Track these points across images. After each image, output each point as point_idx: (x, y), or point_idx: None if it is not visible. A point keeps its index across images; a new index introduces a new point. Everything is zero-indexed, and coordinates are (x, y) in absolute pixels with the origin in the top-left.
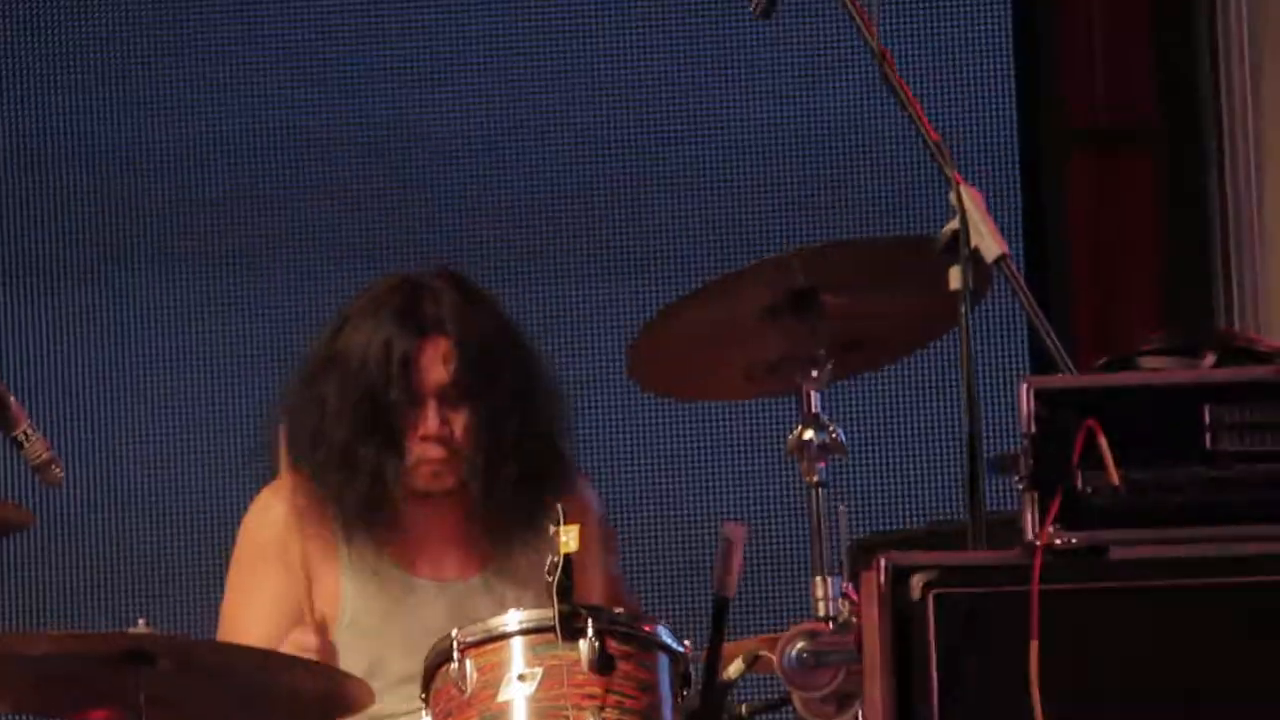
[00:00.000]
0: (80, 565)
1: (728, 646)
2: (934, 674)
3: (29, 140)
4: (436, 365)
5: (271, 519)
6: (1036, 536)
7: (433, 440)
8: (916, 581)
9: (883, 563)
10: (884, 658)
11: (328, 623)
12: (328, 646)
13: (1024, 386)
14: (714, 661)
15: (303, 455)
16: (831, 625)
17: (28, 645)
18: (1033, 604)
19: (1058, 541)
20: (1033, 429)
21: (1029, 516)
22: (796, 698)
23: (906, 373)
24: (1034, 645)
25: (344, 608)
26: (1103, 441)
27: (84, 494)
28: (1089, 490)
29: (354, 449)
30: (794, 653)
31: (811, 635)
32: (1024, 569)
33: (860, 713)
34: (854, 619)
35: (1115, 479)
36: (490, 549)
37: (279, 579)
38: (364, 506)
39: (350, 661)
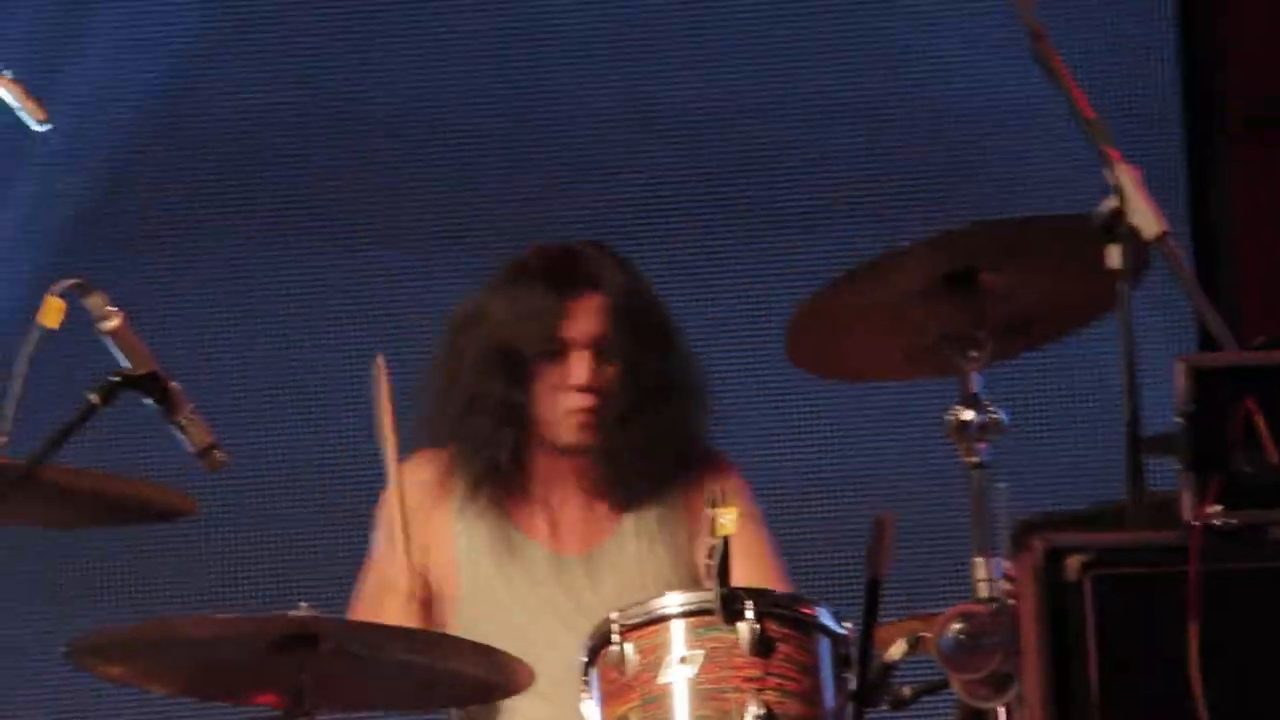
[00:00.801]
0: (241, 548)
1: (890, 628)
2: (1092, 656)
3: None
4: (590, 317)
5: (404, 494)
6: (1194, 517)
7: (584, 390)
8: (1073, 563)
9: (1038, 544)
10: (1040, 640)
11: (448, 596)
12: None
13: (1180, 365)
14: (867, 643)
15: (434, 414)
16: (988, 607)
17: (191, 629)
18: (1191, 585)
19: (1216, 522)
20: (1190, 408)
21: (1187, 497)
22: (955, 680)
23: (1068, 352)
24: (1193, 627)
25: (462, 581)
26: (1261, 421)
27: (244, 476)
28: (1248, 470)
29: (487, 397)
30: (951, 635)
31: (968, 617)
32: (1182, 550)
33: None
34: (1010, 601)
35: (1274, 458)
36: (618, 513)
37: (406, 550)
38: (491, 462)
39: (477, 633)
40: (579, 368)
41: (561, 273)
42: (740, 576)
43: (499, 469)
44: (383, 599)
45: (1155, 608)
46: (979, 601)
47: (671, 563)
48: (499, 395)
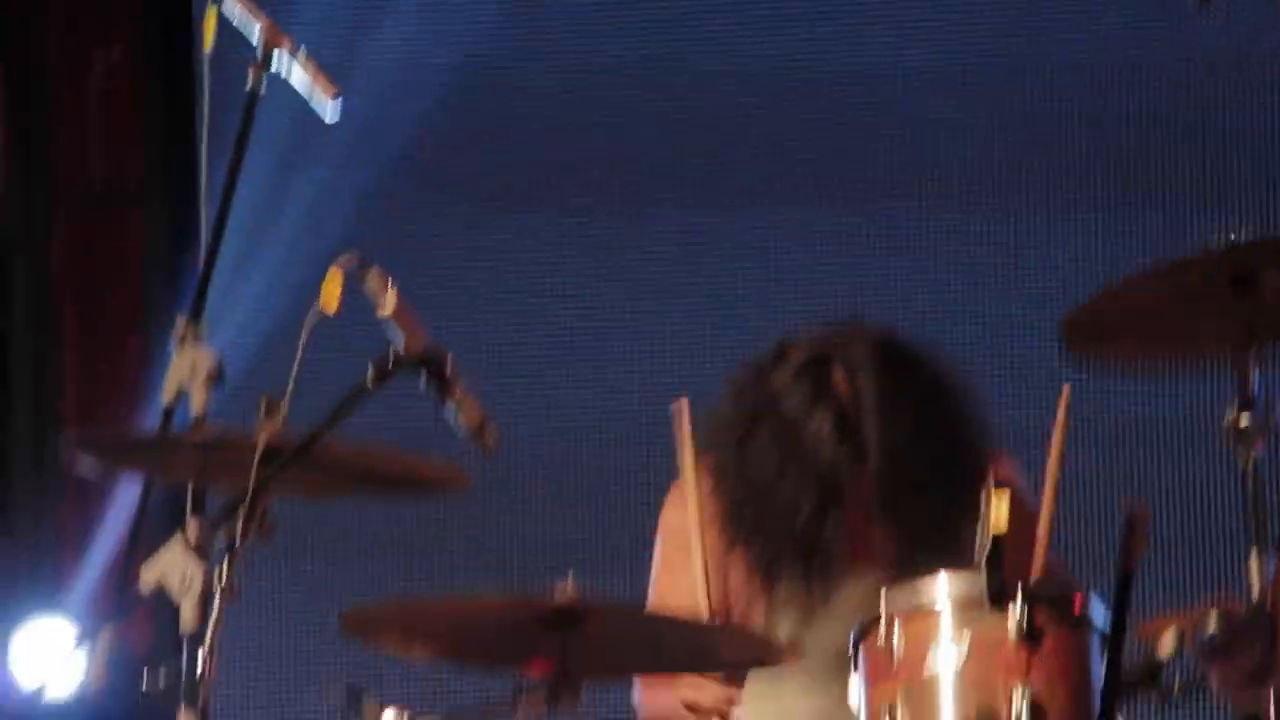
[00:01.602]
0: (507, 524)
1: (1159, 623)
2: None
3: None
4: (858, 495)
5: (681, 515)
6: None
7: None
8: None
9: None
10: None
11: (749, 606)
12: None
13: None
14: (1118, 638)
15: (738, 510)
16: (1246, 602)
17: (459, 606)
18: None
19: None
20: None
21: None
22: (1214, 676)
23: None
24: None
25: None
26: None
27: (512, 452)
28: None
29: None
30: (1207, 630)
31: (1225, 613)
32: None
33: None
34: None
35: None
36: (907, 544)
37: (692, 568)
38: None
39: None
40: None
41: (835, 434)
42: (1011, 566)
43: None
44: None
45: None
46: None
47: None
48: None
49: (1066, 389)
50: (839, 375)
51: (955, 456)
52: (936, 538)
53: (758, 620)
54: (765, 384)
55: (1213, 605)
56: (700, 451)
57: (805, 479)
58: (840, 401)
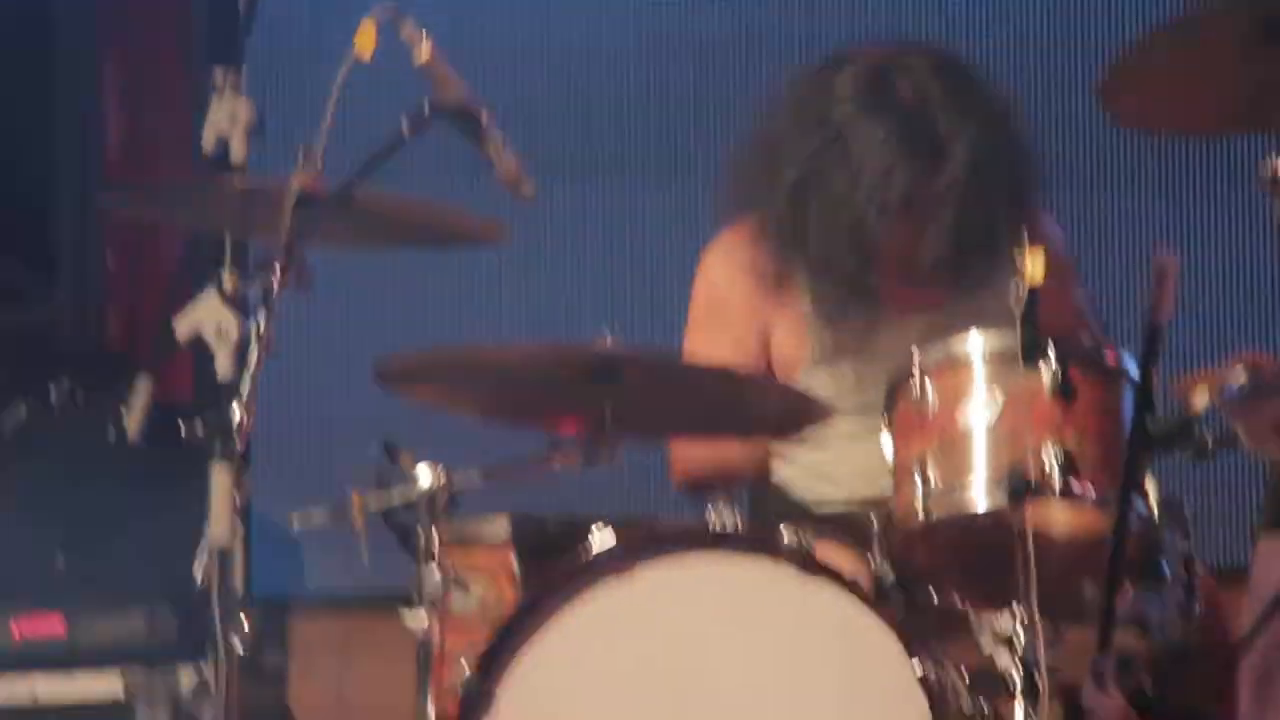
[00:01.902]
0: (549, 279)
1: (1195, 378)
2: None
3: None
4: (933, 193)
5: (721, 273)
6: None
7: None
8: None
9: None
10: None
11: (793, 365)
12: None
13: None
14: (1146, 389)
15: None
16: (1276, 357)
17: (498, 355)
18: None
19: None
20: None
21: None
22: (1240, 428)
23: None
24: None
25: (811, 344)
26: None
27: (551, 212)
28: None
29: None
30: (1236, 384)
31: (1254, 366)
32: None
33: None
34: None
35: None
36: (953, 280)
37: (739, 325)
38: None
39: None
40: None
41: (910, 139)
42: (1045, 325)
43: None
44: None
45: None
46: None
47: None
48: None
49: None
50: (904, 85)
51: (1020, 173)
52: (994, 254)
53: (801, 374)
54: (825, 92)
55: (1241, 358)
56: (747, 206)
57: (873, 188)
58: (907, 109)
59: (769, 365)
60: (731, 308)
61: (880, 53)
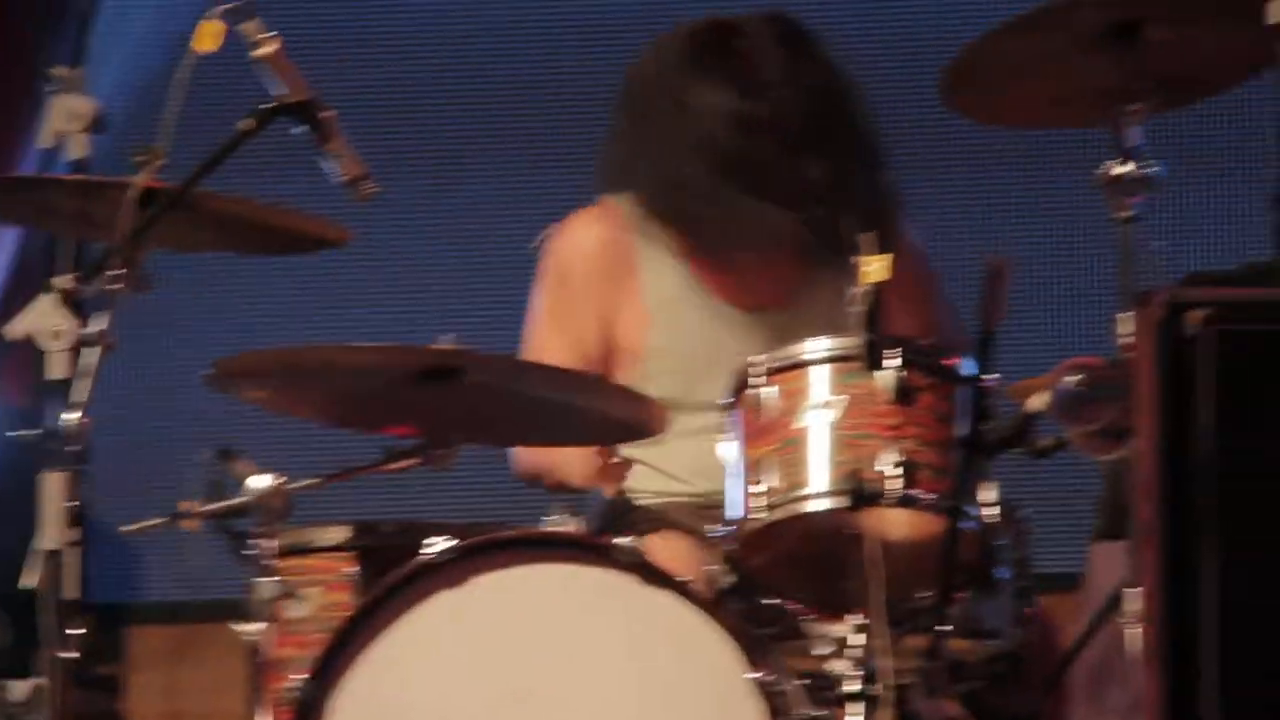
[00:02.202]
0: (388, 283)
1: (1033, 380)
2: (1207, 411)
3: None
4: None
5: (572, 248)
6: None
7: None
8: (1192, 318)
9: (1159, 298)
10: (1156, 393)
11: (635, 348)
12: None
13: None
14: (979, 395)
15: (617, 185)
16: (1105, 360)
17: (336, 356)
18: None
19: None
20: None
21: None
22: (1071, 432)
23: (1222, 108)
24: None
25: (652, 335)
26: None
27: (393, 214)
28: None
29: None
30: (1068, 387)
31: (1086, 370)
32: None
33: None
34: (1129, 354)
35: None
36: (801, 281)
37: (584, 306)
38: (659, 239)
39: (659, 385)
40: None
41: (739, 76)
42: (900, 326)
43: (703, 219)
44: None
45: (1273, 364)
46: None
47: None
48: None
49: None
50: (740, 43)
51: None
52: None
53: (642, 367)
54: (660, 56)
55: (1072, 362)
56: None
57: (703, 150)
58: (743, 68)
59: (613, 352)
60: (575, 290)
61: (716, 17)
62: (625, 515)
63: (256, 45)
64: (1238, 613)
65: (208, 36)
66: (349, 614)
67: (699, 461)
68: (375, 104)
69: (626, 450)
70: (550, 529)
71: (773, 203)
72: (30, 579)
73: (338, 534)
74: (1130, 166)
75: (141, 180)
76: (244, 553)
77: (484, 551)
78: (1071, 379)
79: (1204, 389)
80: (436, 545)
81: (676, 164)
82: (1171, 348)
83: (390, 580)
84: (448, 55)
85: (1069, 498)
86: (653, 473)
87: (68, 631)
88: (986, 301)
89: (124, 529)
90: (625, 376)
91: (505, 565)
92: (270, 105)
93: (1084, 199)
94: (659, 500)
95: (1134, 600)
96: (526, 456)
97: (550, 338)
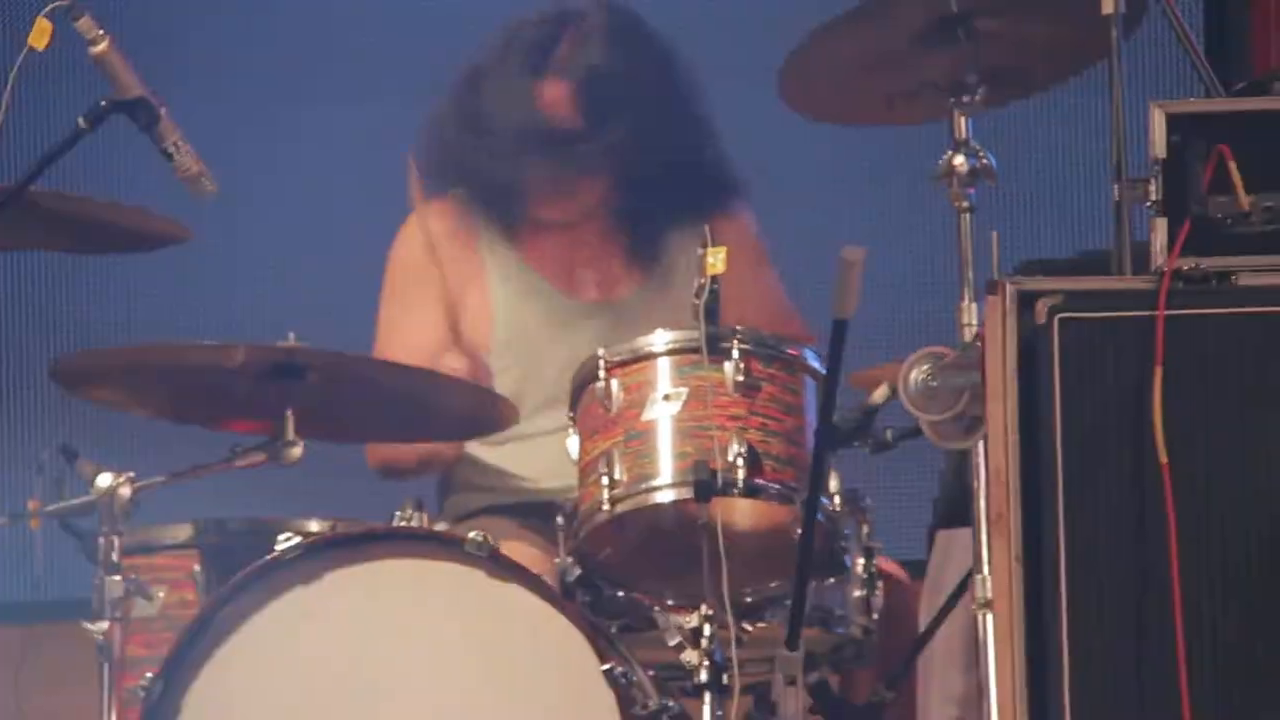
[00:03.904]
0: (235, 277)
1: (875, 371)
2: (1057, 399)
3: None
4: (557, 108)
5: (414, 248)
6: (1164, 262)
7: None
8: (1041, 306)
9: (1008, 287)
10: (1007, 382)
11: (480, 344)
12: (480, 368)
13: (1156, 111)
14: (832, 383)
15: (443, 181)
16: (956, 349)
17: (180, 354)
18: (1158, 329)
19: (1185, 267)
20: (1163, 154)
21: (1157, 242)
22: (922, 422)
23: (1058, 99)
24: (1158, 371)
25: (495, 327)
26: (1233, 166)
27: (240, 211)
28: (1218, 216)
29: (505, 177)
30: (918, 376)
31: (935, 359)
32: (1151, 294)
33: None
34: (977, 343)
35: (1245, 204)
36: (640, 270)
37: (427, 303)
38: (500, 233)
39: (504, 381)
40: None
41: (533, 55)
42: (740, 311)
43: (509, 233)
44: (451, 359)
45: (1122, 351)
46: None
47: None
48: (500, 174)
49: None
50: (566, 41)
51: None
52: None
53: (488, 361)
54: (495, 60)
55: (923, 353)
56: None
57: (520, 150)
58: (565, 67)
59: (460, 345)
60: (421, 282)
61: (555, 14)
62: (473, 503)
63: (91, 44)
64: (1086, 597)
65: (40, 33)
66: (198, 612)
67: (545, 458)
68: (220, 99)
69: (471, 449)
70: (401, 524)
71: (578, 170)
72: None
73: (181, 532)
74: (965, 158)
75: None
76: (90, 551)
77: (336, 547)
78: (921, 368)
79: (1052, 376)
80: (289, 541)
81: (486, 145)
82: (1022, 336)
83: (241, 577)
84: (297, 48)
85: (905, 485)
86: (499, 472)
87: None
88: (839, 291)
89: None
90: (473, 369)
91: (357, 561)
92: (103, 103)
93: (923, 189)
94: (507, 499)
95: (983, 586)
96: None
97: (399, 338)
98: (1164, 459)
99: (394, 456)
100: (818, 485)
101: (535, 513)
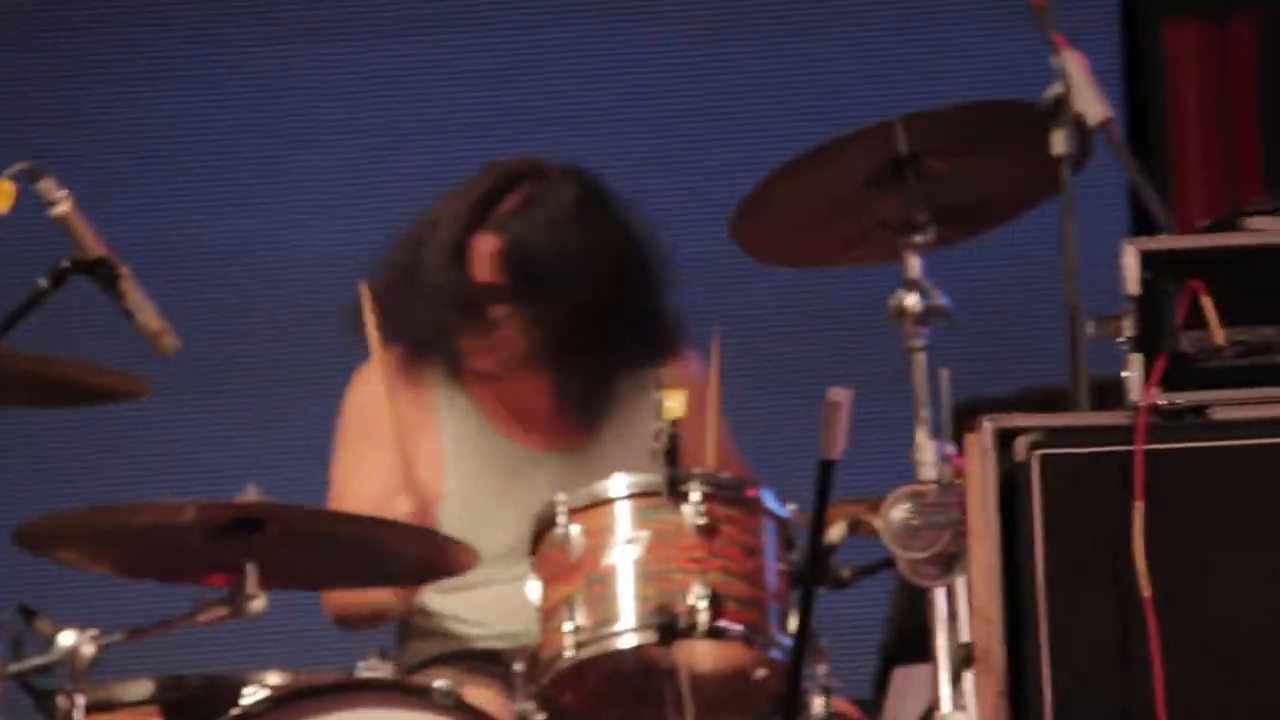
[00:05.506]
0: (192, 431)
1: (830, 511)
2: (1038, 534)
3: None
4: (483, 263)
5: (369, 395)
6: (1141, 397)
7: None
8: (1021, 443)
9: (988, 424)
10: (989, 519)
11: (432, 493)
12: (430, 515)
13: (1129, 247)
14: (819, 525)
15: (394, 331)
16: (936, 487)
17: (139, 515)
18: (1137, 464)
19: (1161, 402)
20: (1137, 290)
21: (1133, 377)
22: (901, 560)
23: (1008, 237)
24: (1138, 505)
25: (447, 477)
26: (1206, 302)
27: (194, 366)
28: (1193, 351)
29: (433, 330)
30: (898, 515)
31: (916, 497)
32: (1128, 430)
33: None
34: (958, 481)
35: (1219, 339)
36: (589, 422)
37: (381, 451)
38: (451, 382)
39: (454, 530)
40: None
41: (477, 206)
42: (693, 458)
43: (455, 384)
44: (400, 503)
45: (1101, 486)
46: (924, 483)
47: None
48: (442, 326)
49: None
50: (513, 199)
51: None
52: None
53: (440, 502)
54: (439, 203)
55: (900, 492)
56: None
57: (453, 307)
58: (503, 223)
59: (411, 490)
60: (375, 433)
61: (511, 167)
62: (432, 649)
63: (51, 205)
64: None
65: (4, 197)
66: None
67: (499, 605)
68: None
69: (425, 597)
70: (367, 673)
71: (490, 325)
72: None
73: (141, 689)
74: (917, 297)
75: None
76: (49, 710)
77: (302, 698)
78: (903, 506)
79: (1033, 512)
80: (254, 694)
81: (419, 294)
82: (1002, 472)
83: None
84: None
85: (853, 622)
86: (455, 621)
87: None
88: (826, 432)
89: None
90: (422, 514)
91: (326, 711)
92: (65, 264)
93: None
94: (458, 647)
95: None
96: (334, 596)
97: (353, 483)
98: (1146, 592)
99: (348, 607)
100: (806, 626)
101: (491, 659)
